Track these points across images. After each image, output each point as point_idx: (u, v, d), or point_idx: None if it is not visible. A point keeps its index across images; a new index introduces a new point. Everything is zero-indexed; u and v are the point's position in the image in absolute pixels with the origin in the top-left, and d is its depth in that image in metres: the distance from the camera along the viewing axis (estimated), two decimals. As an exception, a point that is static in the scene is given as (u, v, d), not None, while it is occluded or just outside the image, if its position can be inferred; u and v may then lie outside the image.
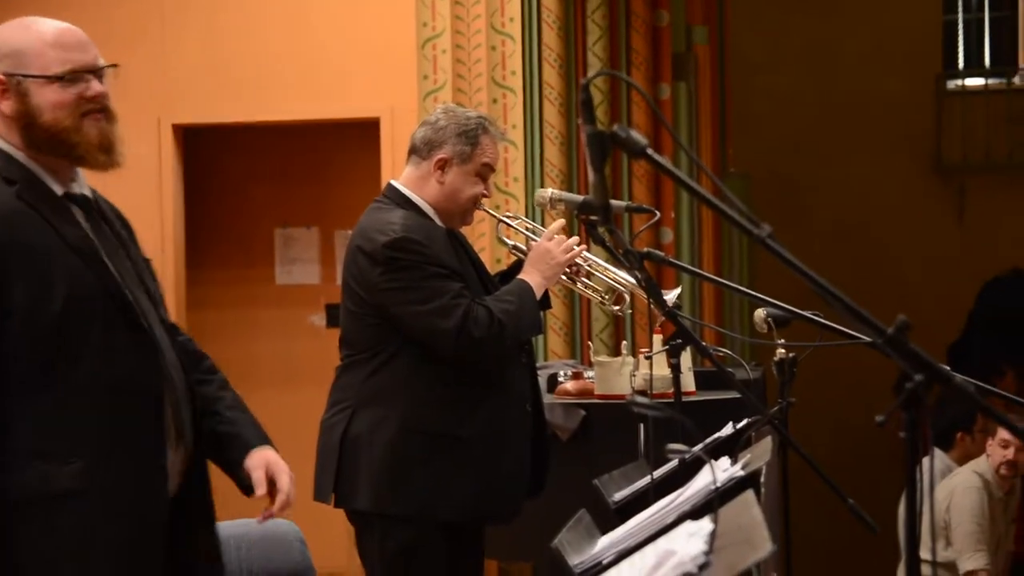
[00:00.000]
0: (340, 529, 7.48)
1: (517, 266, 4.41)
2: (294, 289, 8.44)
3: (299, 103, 7.72)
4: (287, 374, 8.35)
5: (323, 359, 8.05)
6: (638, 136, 2.32)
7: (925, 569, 5.79)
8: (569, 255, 4.30)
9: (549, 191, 4.53)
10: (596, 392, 5.39)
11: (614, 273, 4.44)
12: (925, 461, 2.28)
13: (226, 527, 4.67)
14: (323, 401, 4.39)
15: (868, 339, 3.09)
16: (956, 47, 13.33)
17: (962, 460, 6.60)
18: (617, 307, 4.51)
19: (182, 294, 7.88)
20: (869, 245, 12.42)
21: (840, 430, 11.38)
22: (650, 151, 2.33)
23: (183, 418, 3.23)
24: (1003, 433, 6.15)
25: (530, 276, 4.26)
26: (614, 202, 4.35)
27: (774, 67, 12.43)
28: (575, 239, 4.32)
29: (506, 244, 4.54)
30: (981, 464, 6.21)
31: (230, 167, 8.41)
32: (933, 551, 5.95)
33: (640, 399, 2.41)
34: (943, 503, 6.03)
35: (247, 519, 4.76)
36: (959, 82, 13.09)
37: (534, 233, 4.45)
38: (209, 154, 8.34)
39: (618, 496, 3.73)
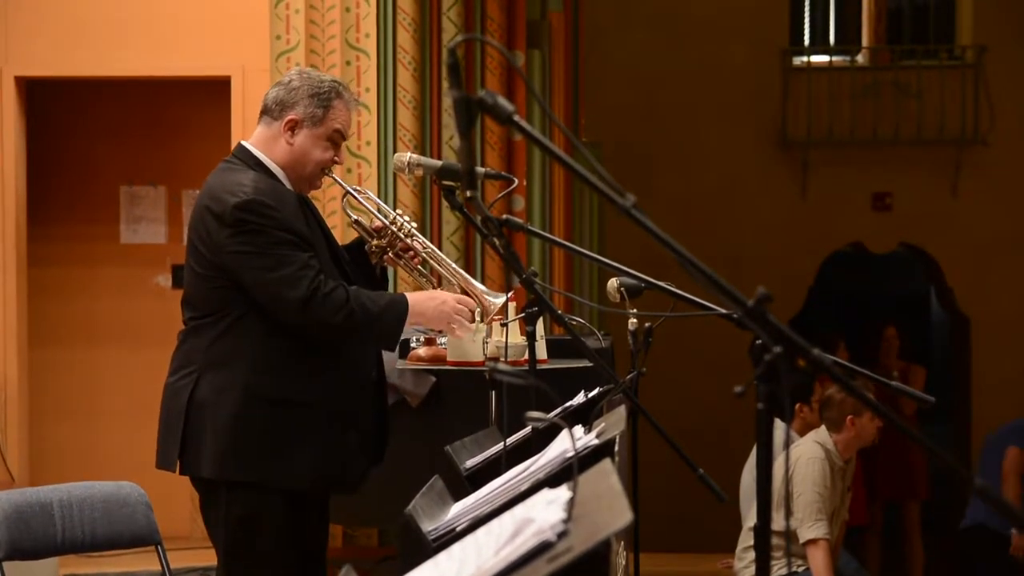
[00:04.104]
0: (185, 493, 7.42)
1: (363, 239, 4.35)
2: (139, 248, 8.30)
3: (149, 59, 7.58)
4: (130, 334, 8.22)
5: (167, 320, 7.93)
6: (505, 102, 2.31)
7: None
8: (455, 321, 4.19)
9: (407, 155, 4.43)
10: (448, 359, 5.38)
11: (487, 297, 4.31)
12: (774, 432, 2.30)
13: (69, 488, 4.59)
14: (167, 362, 4.29)
15: (726, 311, 3.11)
16: (802, 24, 13.54)
17: (802, 431, 6.71)
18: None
19: (23, 250, 7.71)
20: (713, 216, 12.58)
21: (688, 400, 11.54)
22: (516, 118, 2.31)
23: None
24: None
25: (416, 300, 4.16)
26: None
27: (624, 35, 12.51)
28: (472, 307, 4.21)
29: (348, 217, 4.44)
30: (821, 434, 6.30)
31: (76, 122, 8.24)
32: (787, 519, 6.04)
33: (501, 366, 2.40)
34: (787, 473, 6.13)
35: (91, 481, 4.69)
36: (804, 58, 13.29)
37: (379, 211, 4.36)
38: (55, 108, 8.16)
39: (470, 463, 3.71)
